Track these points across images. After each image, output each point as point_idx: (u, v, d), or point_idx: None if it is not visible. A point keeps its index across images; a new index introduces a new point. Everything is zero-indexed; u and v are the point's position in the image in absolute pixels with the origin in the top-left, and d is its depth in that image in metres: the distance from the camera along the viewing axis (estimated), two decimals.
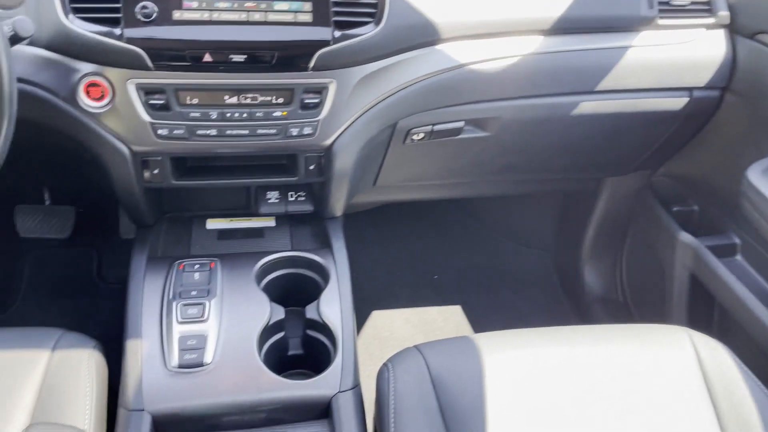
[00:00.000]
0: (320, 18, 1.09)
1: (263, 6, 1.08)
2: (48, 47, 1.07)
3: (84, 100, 1.11)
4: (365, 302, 1.87)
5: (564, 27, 1.28)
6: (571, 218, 1.99)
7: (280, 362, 1.17)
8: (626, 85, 1.35)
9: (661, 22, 1.31)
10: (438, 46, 1.22)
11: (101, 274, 1.90)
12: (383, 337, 1.83)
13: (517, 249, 2.13)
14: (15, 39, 0.96)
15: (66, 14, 1.05)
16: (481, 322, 1.89)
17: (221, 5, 1.07)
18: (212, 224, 1.38)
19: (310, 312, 1.20)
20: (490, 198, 2.06)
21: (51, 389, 1.01)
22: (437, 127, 1.32)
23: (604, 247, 1.92)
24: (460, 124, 1.34)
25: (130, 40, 1.05)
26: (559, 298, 2.01)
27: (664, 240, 1.62)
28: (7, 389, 1.00)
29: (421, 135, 1.34)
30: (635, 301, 1.84)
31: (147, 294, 1.17)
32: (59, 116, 1.11)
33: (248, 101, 1.14)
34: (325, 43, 1.10)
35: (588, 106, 1.37)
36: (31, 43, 1.05)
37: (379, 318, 1.89)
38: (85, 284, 1.87)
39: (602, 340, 1.13)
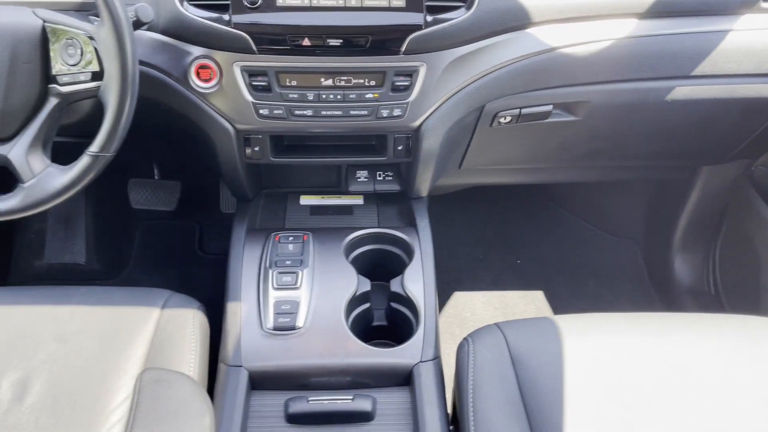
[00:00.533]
0: (413, 3, 1.13)
1: None
2: (164, 32, 1.18)
3: (194, 80, 1.20)
4: (448, 283, 1.91)
5: (660, 10, 1.26)
6: (663, 207, 1.94)
7: (365, 332, 1.24)
8: (725, 71, 1.31)
9: (764, 5, 1.27)
10: (528, 30, 1.23)
11: (202, 245, 2.05)
12: (464, 317, 1.87)
13: (604, 237, 2.10)
14: (137, 24, 1.07)
15: (181, 2, 1.14)
16: (562, 308, 1.89)
17: None
18: (305, 200, 1.47)
19: (395, 286, 1.26)
20: (576, 184, 2.04)
21: (161, 342, 1.12)
22: (525, 111, 1.34)
23: (697, 238, 1.87)
24: (549, 108, 1.34)
25: (237, 26, 1.13)
26: (645, 289, 1.98)
27: (763, 233, 1.56)
28: (123, 339, 1.11)
29: (509, 118, 1.35)
30: (728, 294, 1.79)
31: (246, 262, 1.26)
32: (173, 95, 1.22)
33: (342, 83, 1.21)
34: (417, 28, 1.14)
35: (683, 91, 1.34)
36: (148, 29, 1.16)
37: (460, 299, 1.92)
38: (188, 254, 2.01)
39: (691, 329, 1.12)
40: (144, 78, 1.12)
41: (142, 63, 1.17)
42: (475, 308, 1.89)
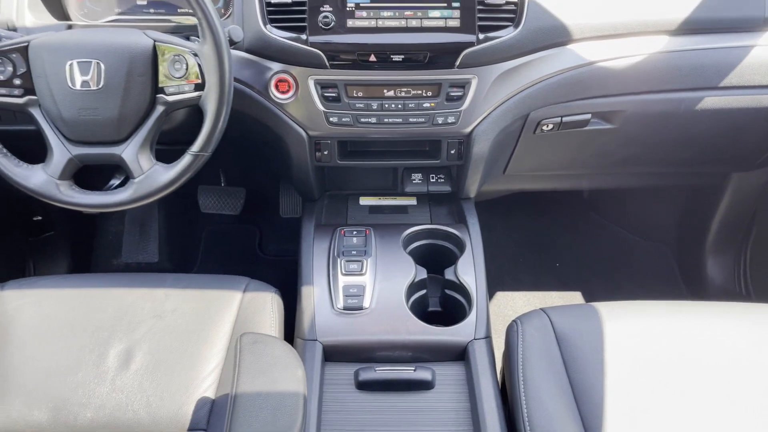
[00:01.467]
0: (467, 23, 1.29)
1: (419, 14, 1.30)
2: (248, 50, 1.35)
3: (274, 92, 1.37)
4: (490, 283, 2.03)
5: (689, 27, 1.39)
6: (695, 212, 2.05)
7: (422, 317, 1.38)
8: (749, 82, 1.43)
9: None
10: (569, 46, 1.38)
11: (262, 247, 2.22)
12: (506, 314, 1.99)
13: (638, 242, 2.21)
14: (230, 43, 1.24)
15: (265, 24, 1.32)
16: None
17: (385, 14, 1.30)
18: (365, 201, 1.62)
19: (449, 274, 1.40)
20: (613, 191, 2.16)
21: (244, 319, 1.28)
22: (566, 119, 1.48)
23: (728, 240, 1.97)
24: (587, 116, 1.48)
25: (313, 44, 1.30)
26: (680, 290, 2.08)
27: None
28: (212, 316, 1.28)
29: (551, 126, 1.49)
30: (758, 293, 1.88)
31: (316, 252, 1.42)
32: (255, 105, 1.38)
33: (403, 94, 1.36)
34: (470, 45, 1.30)
35: (712, 101, 1.46)
36: (235, 48, 1.34)
37: (503, 298, 2.05)
38: (248, 255, 2.19)
39: (723, 313, 1.22)
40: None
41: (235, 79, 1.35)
42: (517, 306, 2.02)
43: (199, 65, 1.18)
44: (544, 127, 1.49)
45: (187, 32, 1.33)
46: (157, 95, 1.19)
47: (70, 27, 1.42)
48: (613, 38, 1.39)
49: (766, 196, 1.81)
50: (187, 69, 1.18)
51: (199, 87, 1.18)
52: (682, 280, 2.11)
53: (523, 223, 2.27)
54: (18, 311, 1.28)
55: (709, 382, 1.10)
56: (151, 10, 1.52)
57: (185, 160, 1.20)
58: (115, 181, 1.45)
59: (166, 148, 1.28)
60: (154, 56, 1.18)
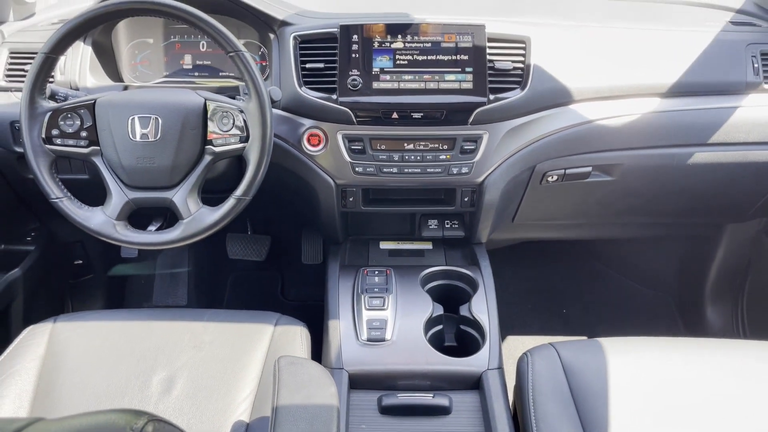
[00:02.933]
0: (479, 86, 1.45)
1: (437, 78, 1.46)
2: (284, 108, 1.52)
3: (306, 145, 1.52)
4: (500, 327, 2.13)
5: (678, 91, 1.55)
6: (694, 261, 2.17)
7: (438, 350, 1.49)
8: (736, 139, 1.57)
9: (766, 86, 1.55)
10: (571, 106, 1.53)
11: (284, 292, 2.34)
12: (516, 356, 2.08)
13: (641, 290, 2.32)
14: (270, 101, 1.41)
15: (300, 86, 1.49)
16: None
17: (406, 78, 1.47)
18: (384, 245, 1.76)
19: (463, 311, 1.52)
20: (615, 241, 2.28)
21: (276, 349, 1.39)
22: (569, 171, 1.62)
23: (725, 287, 2.07)
24: (588, 169, 1.62)
25: (342, 104, 1.46)
26: (680, 335, 2.16)
27: None
28: (246, 347, 1.39)
29: (555, 177, 1.63)
30: (756, 336, 1.97)
31: (342, 289, 1.55)
32: (289, 157, 1.53)
33: (421, 147, 1.51)
34: (482, 104, 1.46)
35: (701, 156, 1.60)
36: (273, 106, 1.51)
37: (512, 341, 2.15)
38: (271, 300, 2.31)
39: (719, 349, 1.30)
40: None
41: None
42: (526, 346, 2.09)
43: (245, 120, 1.33)
44: (549, 179, 1.63)
45: (229, 92, 1.50)
46: (206, 146, 1.34)
47: (125, 88, 1.59)
48: (610, 99, 1.54)
49: (760, 244, 1.93)
50: (233, 123, 1.34)
51: (244, 139, 1.34)
52: (683, 325, 2.21)
53: (531, 271, 2.38)
54: (69, 341, 1.39)
55: (711, 413, 1.18)
56: (196, 74, 1.70)
57: (229, 203, 1.34)
58: (155, 225, 1.59)
59: (208, 196, 1.42)
60: (204, 112, 1.34)
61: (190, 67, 1.70)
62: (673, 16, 1.70)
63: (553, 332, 2.17)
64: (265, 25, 1.55)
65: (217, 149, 1.34)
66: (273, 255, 2.28)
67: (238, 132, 1.33)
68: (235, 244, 2.24)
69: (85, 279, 2.14)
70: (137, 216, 1.39)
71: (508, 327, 2.16)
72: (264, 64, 1.65)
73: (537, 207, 1.78)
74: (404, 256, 1.71)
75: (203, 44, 1.68)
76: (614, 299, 2.29)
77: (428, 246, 1.75)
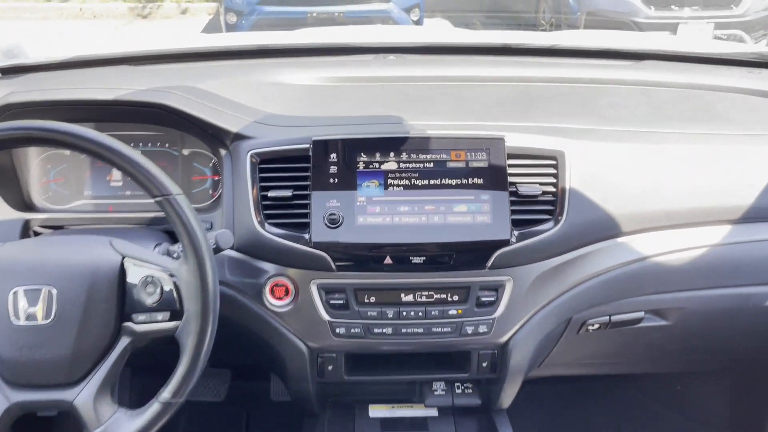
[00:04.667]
0: (499, 219, 1.09)
1: (442, 208, 1.10)
2: (239, 250, 1.14)
3: (269, 299, 1.15)
4: None
5: (754, 215, 1.20)
6: (753, 397, 1.79)
7: None
8: None
9: None
10: (620, 239, 1.18)
11: None
12: None
13: (691, 426, 1.93)
14: (216, 250, 1.02)
15: (260, 223, 1.11)
16: None
17: (402, 209, 1.10)
18: (374, 411, 1.36)
19: None
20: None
21: None
22: (615, 318, 1.26)
23: None
24: (640, 314, 1.26)
25: (317, 245, 1.09)
26: None
27: None
28: None
29: (597, 326, 1.28)
30: None
31: None
32: (244, 313, 1.16)
33: (424, 299, 1.15)
34: (504, 243, 1.09)
35: None
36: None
37: None
38: None
39: None
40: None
41: (222, 283, 1.12)
42: None
43: (177, 289, 0.94)
44: (590, 327, 1.27)
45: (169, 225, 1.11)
46: (123, 324, 0.97)
47: (26, 224, 1.20)
48: (669, 229, 1.20)
49: None
50: (161, 293, 0.95)
51: (176, 315, 0.95)
52: None
53: (559, 409, 1.98)
54: None
55: None
56: (128, 192, 1.31)
57: (154, 408, 0.95)
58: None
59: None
60: (121, 276, 0.95)
61: (120, 183, 1.31)
62: (734, 111, 1.34)
63: None
64: (213, 138, 1.18)
65: (138, 328, 0.97)
66: (235, 389, 1.86)
67: (168, 305, 0.94)
68: None
69: None
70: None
71: None
72: (216, 179, 1.26)
73: (570, 353, 1.41)
74: (401, 429, 1.31)
75: None
76: None
77: (433, 412, 1.35)
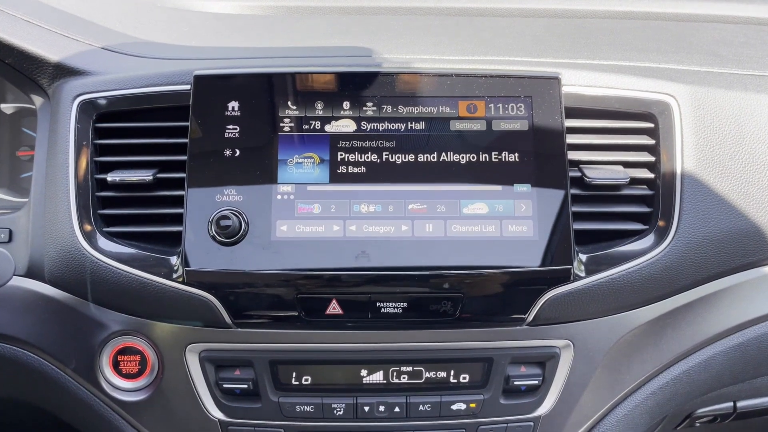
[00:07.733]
0: (550, 229, 0.66)
1: (441, 208, 0.63)
2: (54, 282, 0.67)
3: (108, 376, 0.69)
4: None
5: None
6: None
7: None
8: None
9: None
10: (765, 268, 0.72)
11: None
12: None
13: None
14: None
15: (89, 236, 0.65)
16: None
17: (364, 208, 0.65)
18: None
19: None
20: None
21: None
22: (742, 404, 0.82)
23: None
24: None
25: (193, 276, 0.61)
26: None
27: None
28: None
29: (710, 417, 0.85)
30: None
31: None
32: (60, 398, 0.71)
33: (404, 380, 0.68)
34: (561, 277, 0.63)
35: None
36: (27, 275, 0.66)
37: None
38: None
39: None
40: (4, 364, 0.67)
41: (3, 337, 0.68)
42: None
43: None
44: (698, 421, 0.84)
45: None
46: None
47: None
48: None
49: None
50: None
51: None
52: None
53: None
54: None
55: None
56: None
57: None
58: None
59: None
60: None
61: None
62: None
63: None
64: (23, 77, 0.71)
65: None
66: None
67: None
68: None
69: None
70: None
71: None
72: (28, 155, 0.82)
73: None
74: None
75: None
76: None
77: None
